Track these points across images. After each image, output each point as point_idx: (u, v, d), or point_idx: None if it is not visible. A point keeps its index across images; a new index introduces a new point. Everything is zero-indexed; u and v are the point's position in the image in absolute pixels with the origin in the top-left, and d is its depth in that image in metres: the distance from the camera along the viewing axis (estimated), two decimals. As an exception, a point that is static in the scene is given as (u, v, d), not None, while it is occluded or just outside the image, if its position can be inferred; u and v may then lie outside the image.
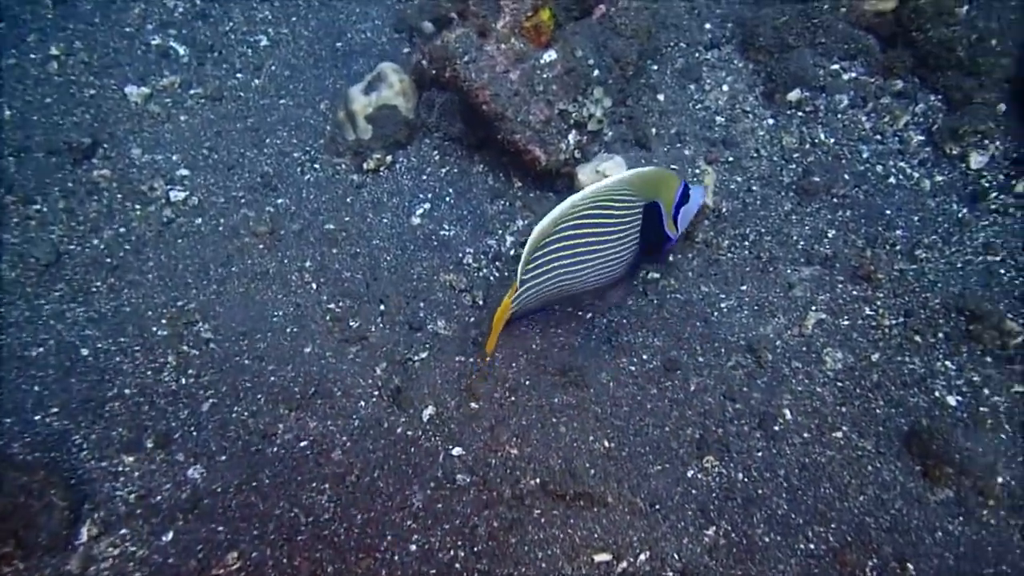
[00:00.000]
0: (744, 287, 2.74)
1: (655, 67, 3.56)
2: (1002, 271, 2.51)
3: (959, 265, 2.58)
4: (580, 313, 2.72)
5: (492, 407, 2.37)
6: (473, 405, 2.39)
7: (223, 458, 2.27)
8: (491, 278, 2.90)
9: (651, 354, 2.55)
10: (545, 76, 2.97)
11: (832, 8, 3.25)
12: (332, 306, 2.78)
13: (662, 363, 2.51)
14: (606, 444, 2.26)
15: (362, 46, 4.05)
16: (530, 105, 2.96)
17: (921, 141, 3.05)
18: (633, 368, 2.49)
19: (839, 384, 2.35)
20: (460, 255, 2.98)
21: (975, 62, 2.97)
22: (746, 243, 2.90)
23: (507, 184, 3.26)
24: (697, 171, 3.01)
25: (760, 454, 2.19)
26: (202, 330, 2.67)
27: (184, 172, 3.33)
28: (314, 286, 2.86)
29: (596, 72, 3.03)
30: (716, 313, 2.66)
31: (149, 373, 2.49)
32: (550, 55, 2.98)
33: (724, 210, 3.01)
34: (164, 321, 2.68)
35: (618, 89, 3.27)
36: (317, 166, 3.40)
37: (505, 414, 2.35)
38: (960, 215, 2.75)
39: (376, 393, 2.47)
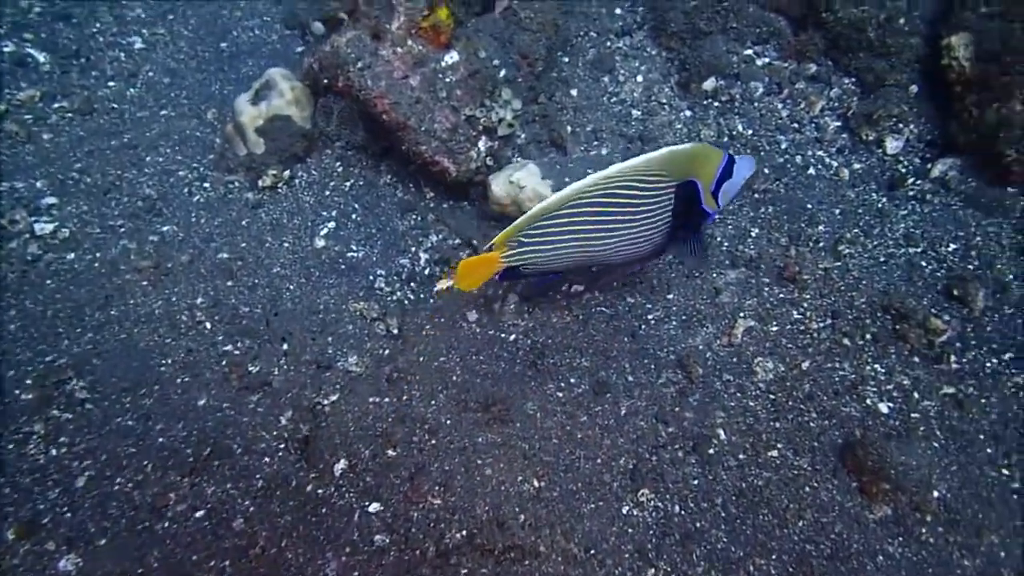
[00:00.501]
0: (671, 295, 2.62)
1: (566, 59, 3.38)
2: (923, 263, 2.47)
3: (882, 259, 2.53)
4: (503, 335, 2.55)
5: (411, 453, 2.18)
6: (390, 452, 2.19)
7: (103, 542, 2.00)
8: (406, 301, 2.69)
9: (579, 376, 2.40)
10: (448, 80, 2.74)
11: (741, -9, 3.14)
12: (229, 348, 2.51)
13: (591, 386, 2.37)
14: (536, 484, 2.11)
15: (250, 45, 3.70)
16: (434, 112, 2.73)
17: (838, 127, 2.98)
18: (561, 394, 2.34)
19: (771, 397, 2.26)
20: (371, 279, 2.75)
21: (885, 43, 2.92)
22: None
23: (418, 195, 3.03)
24: (615, 172, 2.85)
25: (696, 482, 2.09)
26: (76, 388, 2.36)
27: (51, 200, 2.95)
28: (208, 326, 2.58)
29: (503, 72, 2.82)
30: (644, 326, 2.54)
31: (11, 447, 2.18)
32: (452, 57, 2.75)
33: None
34: (29, 382, 2.35)
35: (528, 87, 3.08)
36: (207, 185, 3.08)
37: (425, 460, 2.17)
38: (880, 205, 2.70)
39: (282, 447, 2.24)
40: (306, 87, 3.06)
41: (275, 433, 2.27)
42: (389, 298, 2.70)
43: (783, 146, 2.95)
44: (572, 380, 2.40)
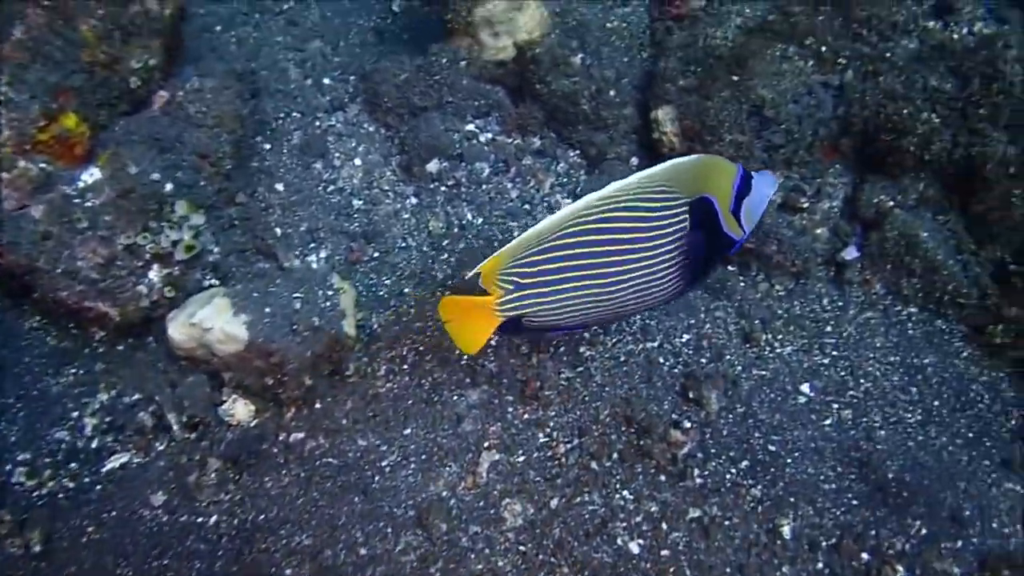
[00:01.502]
0: (408, 430, 2.26)
1: (268, 146, 2.89)
2: (661, 359, 2.35)
3: (622, 358, 2.38)
4: (201, 520, 2.03)
5: None
6: None
7: None
8: (62, 495, 2.05)
9: (298, 563, 1.96)
10: (91, 204, 2.14)
11: (452, 62, 2.88)
12: None
13: (313, 574, 1.94)
14: None
15: None
16: (74, 248, 2.12)
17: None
18: (274, 600, 1.88)
19: (521, 548, 1.99)
20: (3, 474, 2.07)
21: (600, 115, 2.81)
22: (405, 366, 2.42)
23: (80, 340, 2.38)
24: (332, 290, 2.43)
25: None
26: None
27: None
28: None
29: (169, 186, 2.28)
30: (379, 476, 2.15)
31: None
32: (92, 174, 2.15)
33: (376, 327, 2.50)
34: None
35: (217, 190, 2.56)
36: None
37: None
38: (616, 292, 2.57)
39: None
40: None
41: None
42: (32, 496, 2.04)
43: (516, 234, 2.73)
44: (288, 572, 1.94)
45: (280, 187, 2.80)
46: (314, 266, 2.66)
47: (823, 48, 2.37)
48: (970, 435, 2.04)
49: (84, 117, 2.16)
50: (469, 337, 1.90)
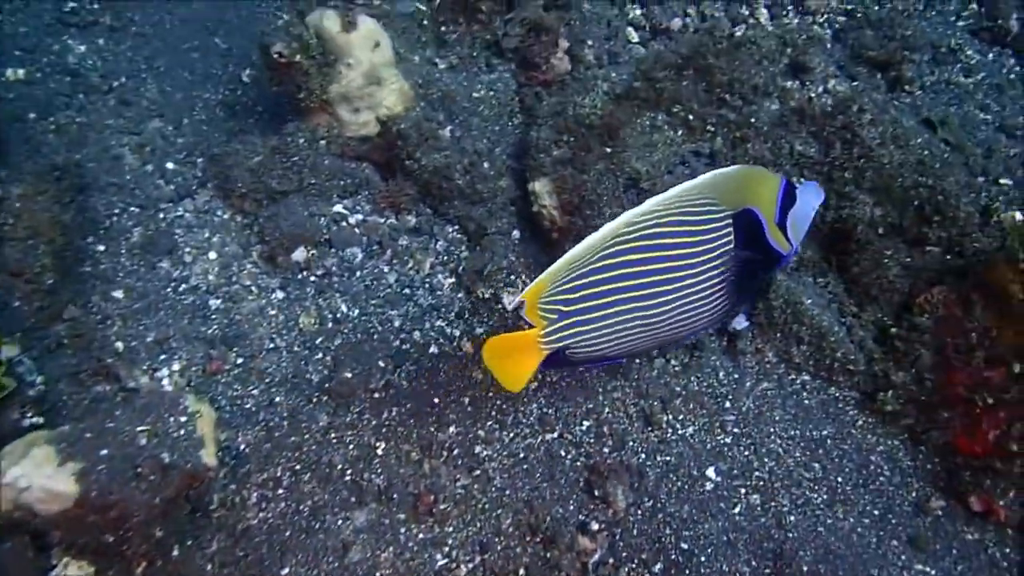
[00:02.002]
0: (286, 569, 1.98)
1: (102, 248, 2.53)
2: (562, 452, 2.20)
3: (522, 455, 2.20)
4: None
5: None
6: None
7: None
8: None
9: None
10: None
11: (310, 142, 2.65)
12: None
13: None
14: None
15: None
16: None
17: (452, 285, 2.65)
18: None
19: None
20: None
21: (476, 189, 2.66)
22: (280, 490, 2.14)
23: None
24: (186, 415, 2.10)
25: None
26: None
27: None
28: None
29: (-33, 317, 1.91)
30: (253, 635, 1.85)
31: None
32: None
33: (244, 447, 2.20)
34: None
35: (38, 308, 2.19)
36: None
37: None
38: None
39: None
40: None
41: None
42: None
43: (397, 324, 2.51)
44: None
45: (119, 294, 2.45)
46: (165, 384, 2.32)
47: (690, 116, 2.35)
48: (876, 513, 2.01)
49: None
50: (514, 374, 1.76)
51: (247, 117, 3.08)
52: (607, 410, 2.25)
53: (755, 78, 2.42)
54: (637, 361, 2.33)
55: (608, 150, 2.36)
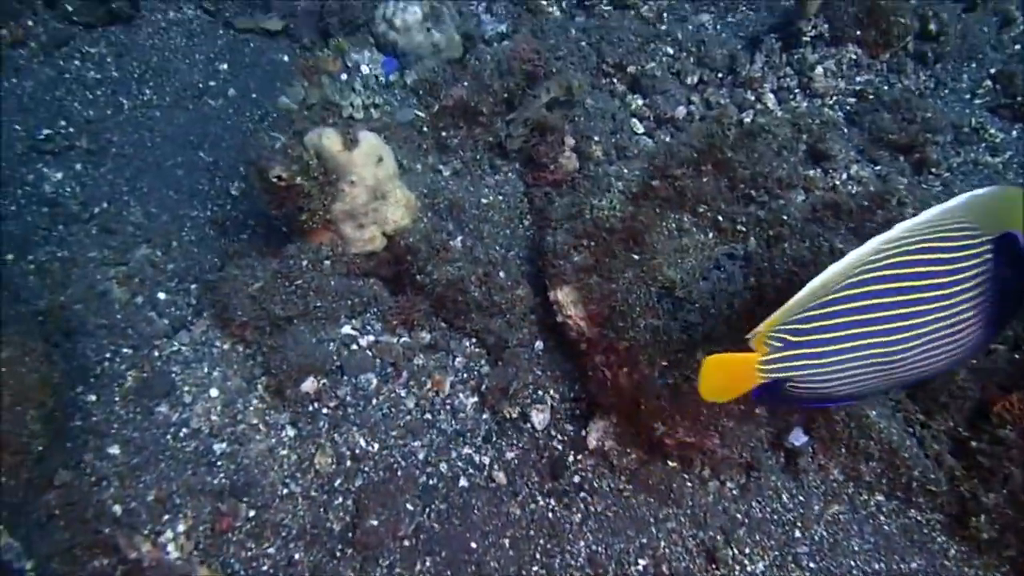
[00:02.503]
0: None
1: (93, 398, 2.32)
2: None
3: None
4: None
5: None
6: None
7: None
8: None
9: None
10: None
11: (314, 263, 2.49)
12: None
13: None
14: None
15: None
16: None
17: (476, 404, 2.47)
18: None
19: None
20: None
21: (493, 301, 2.51)
22: (310, 670, 1.91)
23: None
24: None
25: None
26: None
27: None
28: None
29: (-54, 514, 1.68)
30: None
31: None
32: None
33: (262, 620, 1.97)
34: None
35: (26, 481, 1.95)
36: None
37: None
38: (550, 515, 2.18)
39: None
40: None
41: None
42: None
43: (421, 456, 2.31)
44: None
45: (115, 449, 2.22)
46: (170, 550, 2.09)
47: (719, 217, 2.25)
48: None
49: None
50: (719, 387, 1.59)
51: (239, 233, 2.91)
52: (663, 544, 2.06)
53: (778, 171, 2.33)
54: (689, 484, 2.16)
55: (636, 256, 2.24)
